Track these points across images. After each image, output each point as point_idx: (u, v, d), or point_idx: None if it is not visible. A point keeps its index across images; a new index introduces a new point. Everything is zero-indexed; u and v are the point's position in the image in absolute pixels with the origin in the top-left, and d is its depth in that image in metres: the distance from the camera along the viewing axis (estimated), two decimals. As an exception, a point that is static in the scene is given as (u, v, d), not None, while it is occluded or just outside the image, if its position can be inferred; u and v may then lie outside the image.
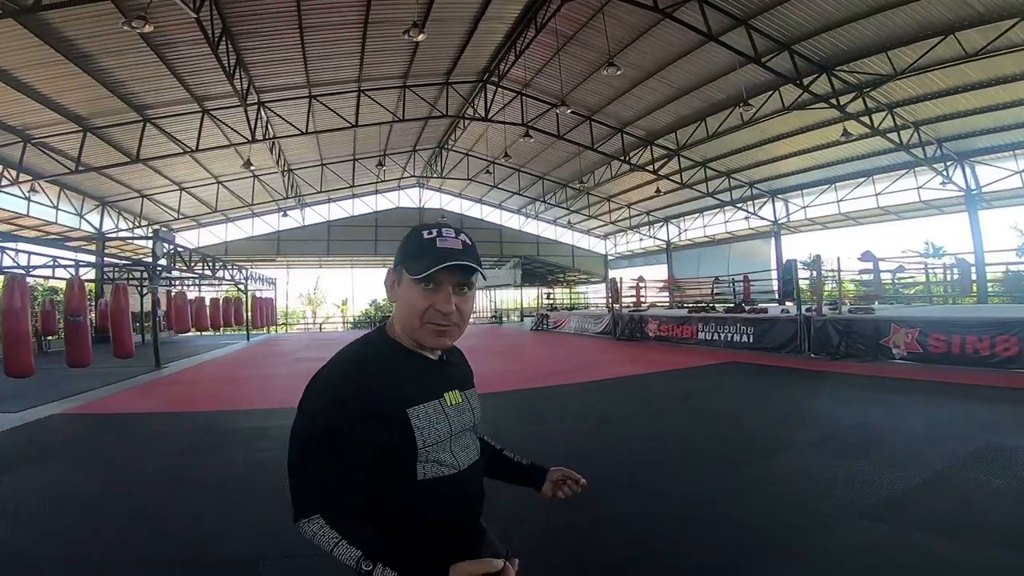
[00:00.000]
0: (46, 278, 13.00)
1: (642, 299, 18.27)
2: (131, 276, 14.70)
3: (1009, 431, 4.45)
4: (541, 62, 13.87)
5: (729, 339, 12.61)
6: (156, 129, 12.85)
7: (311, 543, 0.89)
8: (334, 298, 31.30)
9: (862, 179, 17.22)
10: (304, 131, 13.69)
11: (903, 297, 14.69)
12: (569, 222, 27.31)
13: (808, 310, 10.91)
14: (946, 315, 9.30)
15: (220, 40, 9.64)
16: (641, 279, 18.34)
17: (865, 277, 12.96)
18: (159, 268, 11.69)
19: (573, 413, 6.09)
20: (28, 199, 13.92)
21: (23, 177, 12.56)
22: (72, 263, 11.49)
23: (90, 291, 15.69)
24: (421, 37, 9.64)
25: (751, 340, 12.00)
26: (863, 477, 3.47)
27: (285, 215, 21.90)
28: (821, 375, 8.12)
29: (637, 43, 12.28)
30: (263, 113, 13.34)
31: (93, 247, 15.62)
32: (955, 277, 14.08)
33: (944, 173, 14.70)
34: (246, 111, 12.34)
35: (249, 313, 18.87)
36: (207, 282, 18.16)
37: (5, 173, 12.35)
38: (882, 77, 11.37)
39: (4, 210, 13.71)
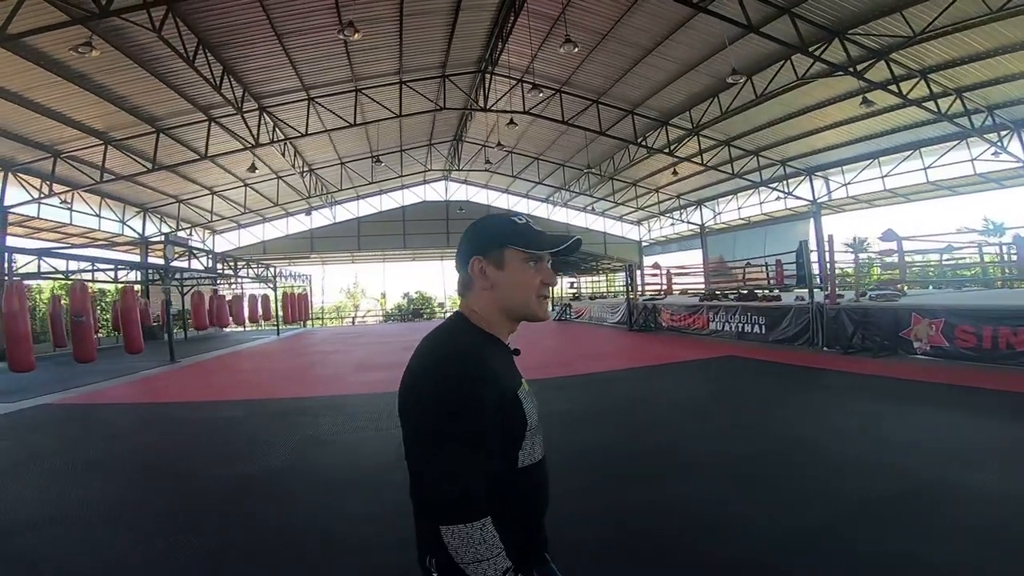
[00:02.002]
0: (94, 281, 14.26)
1: (672, 286, 17.44)
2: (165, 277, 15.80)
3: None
4: (535, 47, 13.42)
5: (740, 330, 11.81)
6: (170, 139, 13.61)
7: (455, 550, 0.84)
8: (373, 292, 32.29)
9: (908, 152, 15.44)
10: (305, 132, 14.07)
11: (953, 281, 13.06)
12: (592, 208, 26.55)
13: (826, 297, 9.94)
14: (976, 303, 8.09)
15: (197, 53, 10.01)
16: (656, 265, 17.51)
17: (889, 259, 11.60)
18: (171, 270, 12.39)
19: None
20: (70, 209, 15.21)
21: (57, 188, 13.72)
22: (111, 266, 12.60)
23: (139, 291, 17.13)
24: (356, 37, 9.59)
25: (763, 331, 11.18)
26: (733, 520, 2.90)
27: (309, 214, 22.69)
28: (818, 375, 7.30)
29: (626, 18, 11.61)
30: (265, 118, 13.81)
31: (137, 250, 17.00)
32: (1012, 258, 12.35)
33: (998, 143, 12.88)
34: (243, 117, 12.78)
35: (279, 309, 19.74)
36: (246, 280, 19.27)
37: (42, 187, 13.51)
38: (902, 40, 10.05)
39: (47, 220, 15.07)
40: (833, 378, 6.99)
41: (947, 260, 13.19)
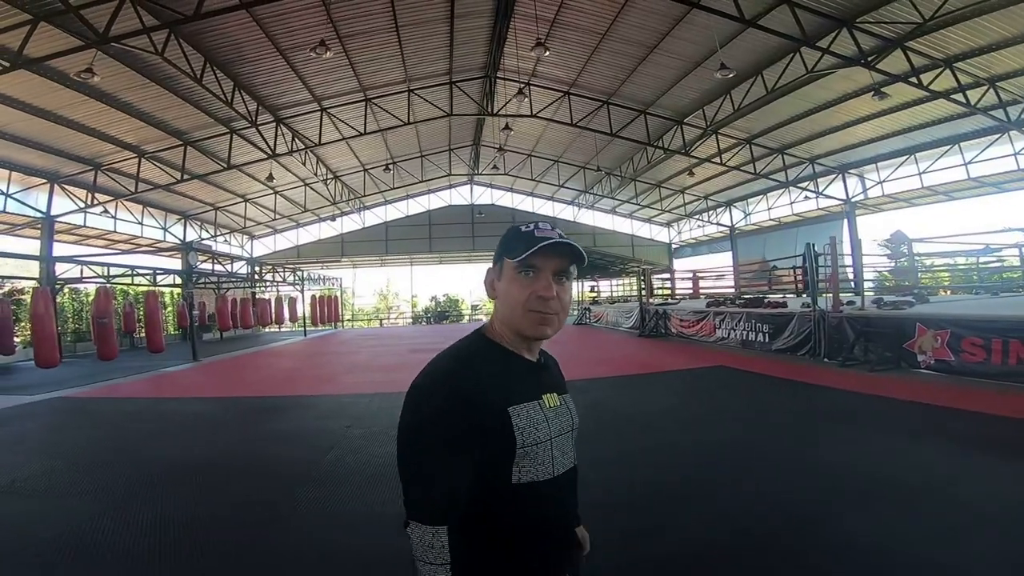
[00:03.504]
0: (130, 284, 15.58)
1: (699, 290, 16.87)
2: (208, 281, 16.97)
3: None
4: (538, 50, 13.37)
5: (744, 337, 11.34)
6: (196, 151, 14.53)
7: (412, 544, 0.92)
8: (405, 294, 33.08)
9: (947, 147, 14.26)
10: (319, 142, 14.67)
11: (992, 286, 11.97)
12: (616, 210, 26.07)
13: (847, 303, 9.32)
14: (986, 312, 7.34)
15: (204, 71, 10.63)
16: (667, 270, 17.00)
17: (898, 263, 10.79)
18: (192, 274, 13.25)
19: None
20: (114, 217, 16.51)
21: (101, 197, 14.92)
22: (149, 271, 13.72)
23: (177, 295, 18.45)
24: (329, 55, 9.85)
25: (766, 339, 10.69)
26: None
27: (335, 219, 23.56)
28: (798, 391, 6.65)
29: (621, 16, 11.40)
30: (283, 128, 14.49)
31: (180, 256, 18.23)
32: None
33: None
34: (258, 130, 13.45)
35: (307, 311, 20.61)
36: (279, 284, 20.31)
37: (87, 198, 14.74)
38: (913, 26, 9.33)
39: (94, 228, 16.43)
40: (813, 396, 6.31)
41: (985, 263, 12.11)
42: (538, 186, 24.84)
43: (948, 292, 13.52)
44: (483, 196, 26.68)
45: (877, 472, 3.55)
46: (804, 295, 10.70)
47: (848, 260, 11.43)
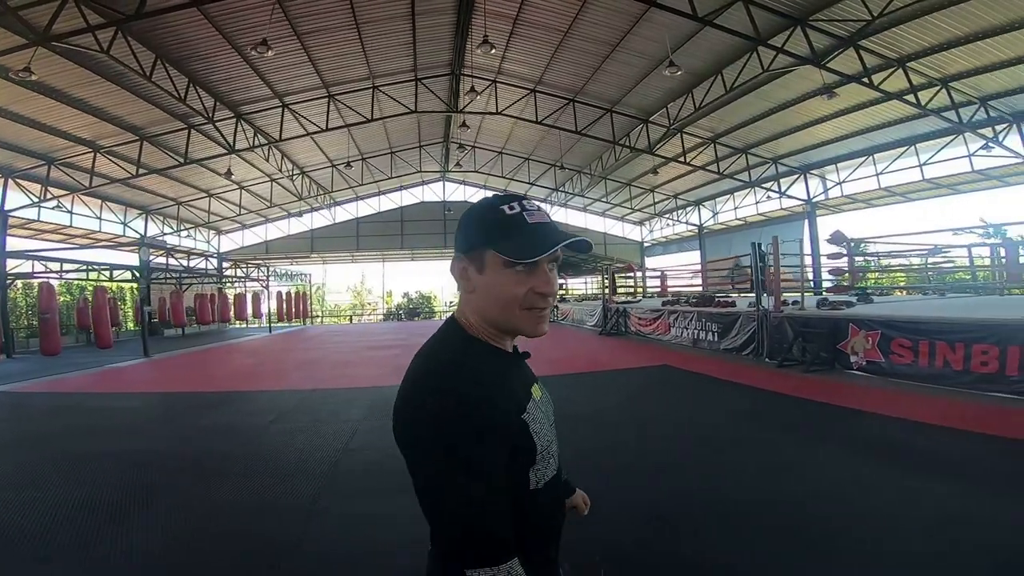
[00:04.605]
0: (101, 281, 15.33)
1: (667, 288, 17.02)
2: (169, 277, 16.73)
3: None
4: (501, 48, 13.37)
5: (696, 336, 11.46)
6: (153, 146, 14.29)
7: None
8: (379, 291, 32.93)
9: (903, 148, 14.54)
10: (279, 138, 14.51)
11: (943, 287, 12.24)
12: (587, 209, 26.18)
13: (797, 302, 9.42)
14: (914, 314, 7.38)
15: (155, 68, 10.46)
16: (630, 265, 17.18)
17: (838, 263, 10.98)
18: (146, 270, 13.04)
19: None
20: (70, 212, 16.18)
21: (57, 192, 14.63)
22: (104, 267, 13.51)
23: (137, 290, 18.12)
24: (270, 54, 9.76)
25: (715, 338, 10.79)
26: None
27: (300, 216, 23.35)
28: (725, 391, 6.71)
29: (582, 13, 11.43)
30: (243, 124, 14.30)
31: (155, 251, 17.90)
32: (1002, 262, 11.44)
33: (993, 138, 11.94)
34: (215, 125, 13.26)
35: (272, 307, 20.41)
36: (238, 279, 20.07)
37: (42, 192, 14.44)
38: (863, 24, 9.46)
39: (49, 222, 16.10)
40: (738, 397, 6.39)
41: (934, 263, 12.36)
42: (511, 183, 24.82)
43: (904, 292, 13.81)
44: (456, 193, 26.58)
45: (762, 472, 3.65)
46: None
47: (809, 260, 11.78)
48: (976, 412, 5.06)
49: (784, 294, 10.17)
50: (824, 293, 11.93)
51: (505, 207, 0.88)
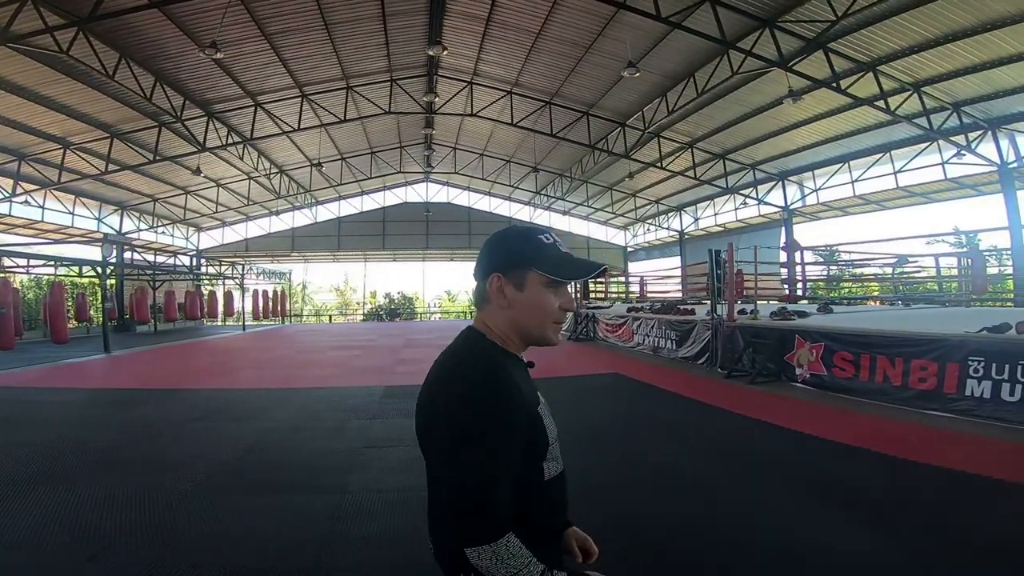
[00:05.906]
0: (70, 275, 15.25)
1: (647, 294, 16.91)
2: (142, 273, 16.67)
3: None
4: (475, 49, 13.34)
5: (655, 344, 11.40)
6: (123, 143, 14.22)
7: (488, 571, 0.85)
8: (362, 291, 32.75)
9: (879, 155, 14.44)
10: (251, 136, 14.44)
11: (910, 297, 12.15)
12: (570, 212, 26.11)
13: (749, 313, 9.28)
14: (856, 327, 7.18)
15: (118, 67, 10.40)
16: (607, 271, 17.03)
17: (786, 272, 10.90)
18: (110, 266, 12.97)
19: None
20: (42, 207, 16.12)
21: (28, 187, 14.57)
22: (70, 262, 13.43)
23: (110, 285, 18.06)
24: (219, 55, 9.70)
25: (674, 346, 10.70)
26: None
27: (278, 215, 23.27)
28: (663, 402, 6.64)
29: (553, 15, 11.37)
30: (215, 122, 14.23)
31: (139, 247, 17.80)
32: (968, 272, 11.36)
33: (968, 145, 11.82)
34: (183, 124, 13.20)
35: (247, 305, 20.32)
36: (214, 276, 19.98)
37: (14, 188, 14.39)
38: (828, 25, 9.34)
39: (20, 217, 16.02)
40: (671, 408, 6.29)
41: (901, 272, 12.30)
42: (495, 186, 24.77)
43: (878, 303, 13.72)
44: (439, 194, 26.52)
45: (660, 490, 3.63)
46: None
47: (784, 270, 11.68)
48: (898, 432, 4.97)
49: (759, 302, 10.16)
50: (801, 302, 11.82)
51: (542, 237, 1.06)
